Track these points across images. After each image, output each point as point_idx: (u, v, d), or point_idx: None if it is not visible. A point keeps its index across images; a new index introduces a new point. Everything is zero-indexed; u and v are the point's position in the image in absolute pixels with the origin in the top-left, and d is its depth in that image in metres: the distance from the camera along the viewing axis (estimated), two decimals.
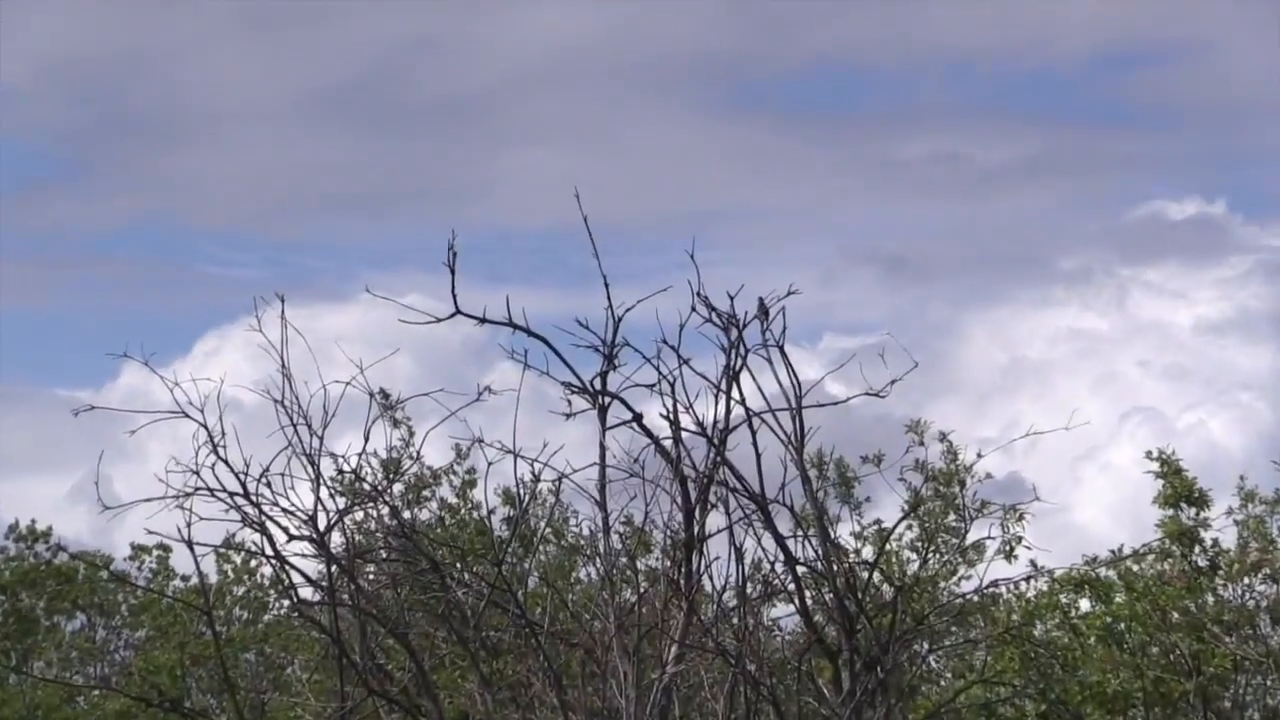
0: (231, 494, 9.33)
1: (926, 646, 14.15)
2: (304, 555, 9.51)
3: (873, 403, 9.72)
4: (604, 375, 9.42)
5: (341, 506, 9.57)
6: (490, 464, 9.44)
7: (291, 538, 9.40)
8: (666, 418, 9.40)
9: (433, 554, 9.79)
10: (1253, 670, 16.40)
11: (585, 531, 10.98)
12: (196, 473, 9.30)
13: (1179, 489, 16.54)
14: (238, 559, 22.89)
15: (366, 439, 9.64)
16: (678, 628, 9.16)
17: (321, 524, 9.39)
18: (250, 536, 9.47)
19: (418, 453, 12.53)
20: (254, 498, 9.32)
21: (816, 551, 9.48)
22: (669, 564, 9.37)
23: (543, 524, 14.37)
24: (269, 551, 9.44)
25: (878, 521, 17.96)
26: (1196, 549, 16.50)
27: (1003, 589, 15.99)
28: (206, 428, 9.37)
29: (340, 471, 10.26)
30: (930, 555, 16.43)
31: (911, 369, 9.72)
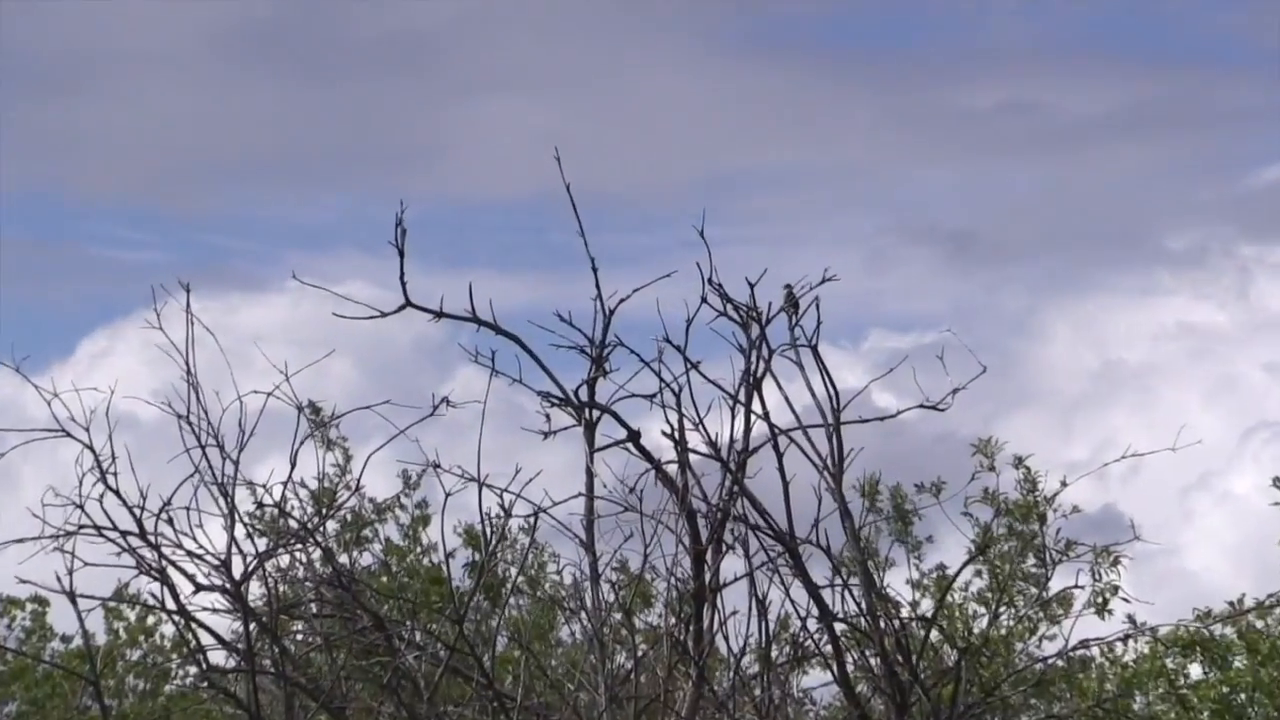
0: (124, 533, 9.33)
1: None
2: (215, 610, 9.52)
3: (931, 418, 9.77)
4: (592, 383, 9.45)
5: (262, 549, 9.58)
6: (449, 495, 9.44)
7: (199, 588, 9.41)
8: (670, 436, 9.43)
9: (376, 609, 9.79)
10: None
11: (568, 580, 10.98)
12: (81, 506, 9.32)
13: None
14: (132, 615, 22.90)
15: (293, 464, 9.65)
16: (685, 701, 9.16)
17: (237, 571, 9.40)
18: (148, 586, 9.49)
19: (357, 482, 12.46)
20: (152, 538, 9.32)
21: (859, 604, 9.48)
22: (673, 621, 9.38)
23: (514, 571, 14.38)
24: (171, 605, 9.44)
25: (940, 567, 17.96)
26: None
27: (1094, 651, 15.99)
28: (93, 450, 9.38)
29: (260, 505, 10.29)
30: (1003, 609, 16.42)
31: (979, 375, 9.76)
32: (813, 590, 9.39)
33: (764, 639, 9.39)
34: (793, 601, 9.44)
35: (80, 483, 9.33)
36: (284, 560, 9.93)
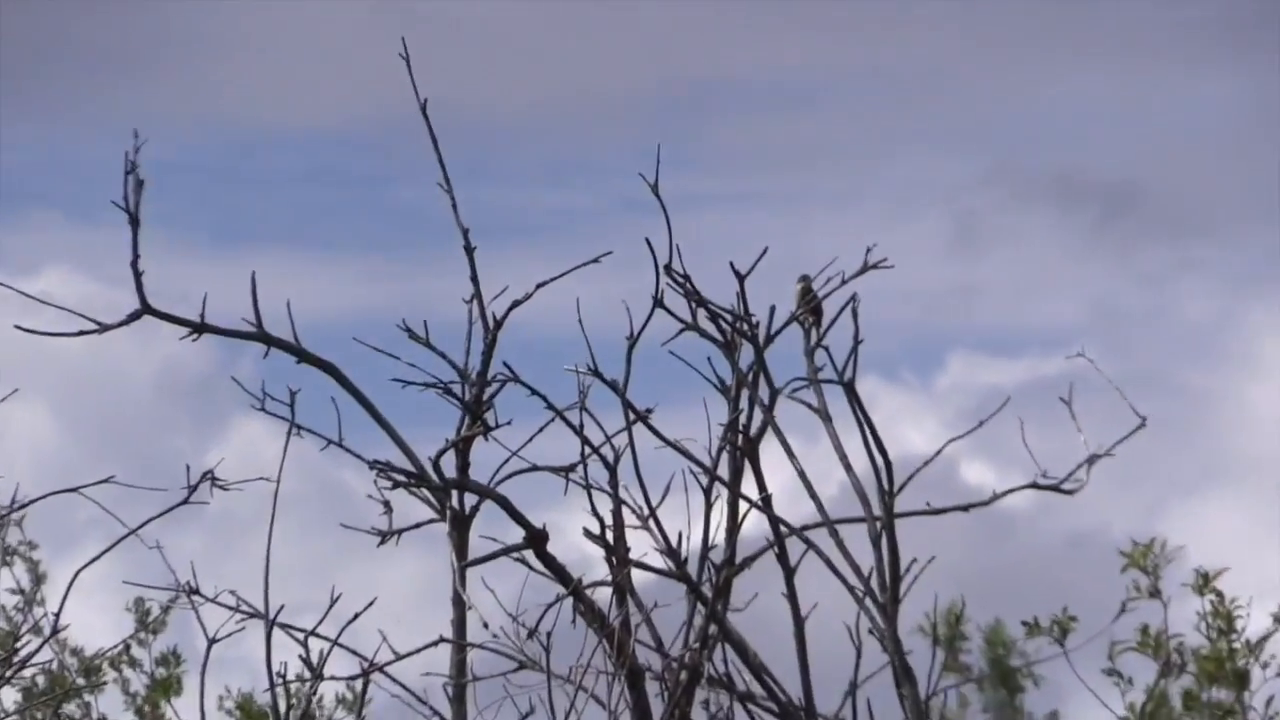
0: None
1: None
2: None
3: (1052, 506, 9.84)
4: (463, 447, 9.48)
5: None
6: (214, 642, 9.47)
7: None
8: (599, 539, 9.45)
9: None
10: None
11: None
12: None
13: None
14: None
15: None
16: None
17: None
18: None
19: (55, 618, 12.47)
20: None
21: None
22: None
23: None
24: None
25: None
26: None
27: None
28: None
29: None
30: None
31: (1137, 429, 9.79)
32: None
33: None
34: None
35: None
36: None
